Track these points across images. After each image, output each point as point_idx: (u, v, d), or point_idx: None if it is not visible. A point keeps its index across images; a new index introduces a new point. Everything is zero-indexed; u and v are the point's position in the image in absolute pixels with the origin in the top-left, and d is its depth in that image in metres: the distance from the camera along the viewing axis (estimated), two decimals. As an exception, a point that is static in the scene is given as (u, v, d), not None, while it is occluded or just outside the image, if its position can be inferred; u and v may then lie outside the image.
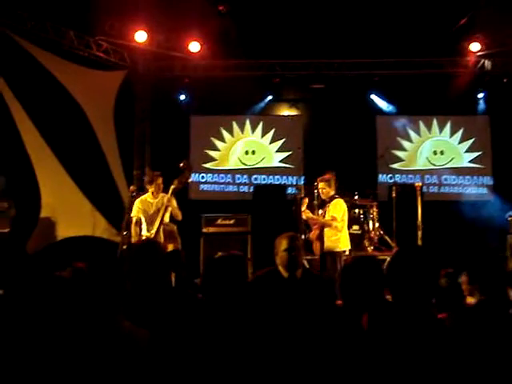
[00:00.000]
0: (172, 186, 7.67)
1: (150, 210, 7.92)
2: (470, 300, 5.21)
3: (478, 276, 3.57)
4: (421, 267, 2.92)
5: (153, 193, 8.02)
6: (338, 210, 7.95)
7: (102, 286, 3.14)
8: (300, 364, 3.06)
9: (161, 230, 7.63)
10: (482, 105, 12.42)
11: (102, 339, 2.96)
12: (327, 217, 7.98)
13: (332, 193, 8.14)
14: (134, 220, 8.06)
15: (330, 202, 8.04)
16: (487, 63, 12.05)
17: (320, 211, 8.27)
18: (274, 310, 4.36)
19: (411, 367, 2.71)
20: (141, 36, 10.99)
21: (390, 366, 2.73)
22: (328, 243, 7.85)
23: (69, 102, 10.88)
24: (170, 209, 7.81)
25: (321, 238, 7.90)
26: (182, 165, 7.65)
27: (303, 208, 8.24)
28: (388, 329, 2.85)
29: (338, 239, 7.89)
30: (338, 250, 7.84)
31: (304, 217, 8.31)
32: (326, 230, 7.91)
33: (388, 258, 3.12)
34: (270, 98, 12.69)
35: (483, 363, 3.04)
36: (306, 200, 8.32)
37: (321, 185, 8.19)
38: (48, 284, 3.22)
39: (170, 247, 7.59)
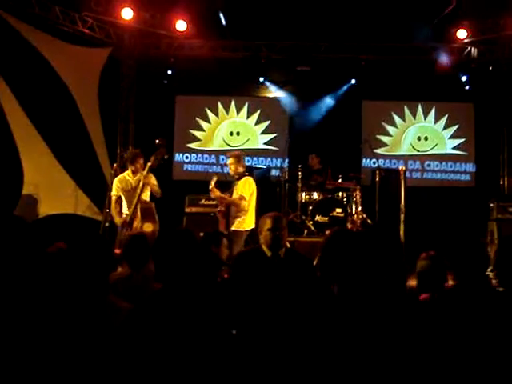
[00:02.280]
0: (148, 163, 7.61)
1: (130, 188, 7.87)
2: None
3: (453, 261, 3.59)
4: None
5: (132, 171, 7.95)
6: (247, 188, 7.71)
7: (84, 264, 3.14)
8: (281, 340, 3.07)
9: (138, 208, 7.59)
10: (466, 91, 12.44)
11: (88, 312, 2.98)
12: (235, 195, 7.73)
13: (241, 170, 7.86)
14: (113, 199, 8.03)
15: (238, 179, 7.79)
16: (473, 50, 12.08)
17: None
18: (257, 287, 4.38)
19: (383, 342, 2.74)
20: (127, 13, 10.90)
21: (367, 341, 2.75)
22: (233, 222, 7.68)
23: (53, 79, 10.76)
24: (148, 187, 7.76)
25: (227, 215, 7.71)
26: (157, 141, 7.60)
27: (211, 186, 7.85)
28: (365, 305, 2.87)
29: (244, 220, 7.69)
30: (241, 229, 7.66)
31: (212, 195, 7.98)
32: (232, 208, 7.70)
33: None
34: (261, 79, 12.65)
35: (459, 345, 3.09)
36: (215, 178, 7.93)
37: (229, 160, 7.93)
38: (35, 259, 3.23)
39: (147, 225, 7.57)
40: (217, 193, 7.86)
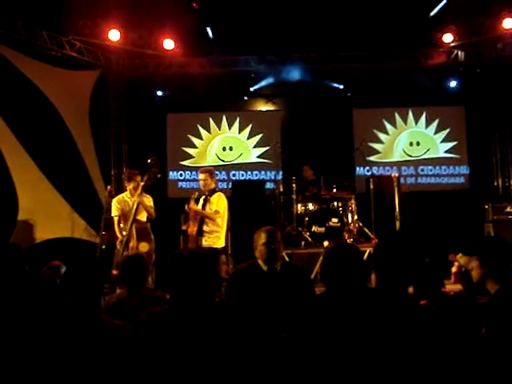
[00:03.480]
0: (141, 183, 7.61)
1: (128, 209, 7.87)
2: (451, 287, 5.29)
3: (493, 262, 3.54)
4: (404, 254, 2.96)
5: (131, 191, 7.97)
6: (221, 204, 7.61)
7: (81, 285, 3.16)
8: (277, 355, 3.08)
9: (133, 228, 7.58)
10: (455, 94, 12.51)
11: (82, 332, 2.99)
12: (208, 210, 7.59)
13: (213, 186, 7.77)
14: (115, 220, 8.03)
15: (210, 195, 7.65)
16: (460, 54, 12.14)
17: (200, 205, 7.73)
18: (254, 302, 4.38)
19: (394, 350, 2.74)
20: (114, 35, 10.93)
21: (374, 351, 2.75)
22: (208, 239, 7.55)
23: (43, 104, 10.77)
24: (142, 206, 7.75)
25: (200, 232, 7.53)
26: (149, 161, 7.57)
27: (192, 201, 7.69)
28: (372, 315, 2.87)
29: (218, 236, 7.59)
30: (216, 246, 7.55)
31: (190, 209, 7.73)
32: (206, 226, 7.57)
33: (368, 250, 3.16)
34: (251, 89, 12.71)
35: (468, 348, 3.09)
36: (196, 194, 7.80)
37: (201, 176, 7.80)
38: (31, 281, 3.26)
39: (143, 245, 7.56)
40: (195, 207, 7.67)
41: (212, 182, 7.75)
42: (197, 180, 12.57)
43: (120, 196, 8.18)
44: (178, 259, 3.22)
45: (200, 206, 7.68)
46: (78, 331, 3.02)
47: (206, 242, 7.53)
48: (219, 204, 7.59)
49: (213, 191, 7.72)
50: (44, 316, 3.12)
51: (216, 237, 7.59)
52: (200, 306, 3.11)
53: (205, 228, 7.57)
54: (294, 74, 12.10)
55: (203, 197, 7.75)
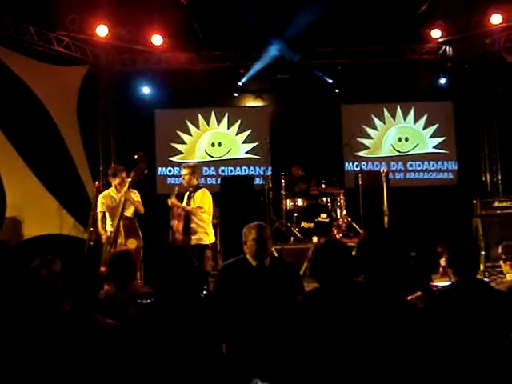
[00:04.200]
0: (128, 179, 7.57)
1: (114, 205, 7.83)
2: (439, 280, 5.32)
3: (454, 258, 3.62)
4: (389, 249, 2.97)
5: (116, 187, 7.92)
6: (206, 200, 7.63)
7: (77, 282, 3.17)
8: (271, 347, 3.08)
9: (121, 224, 7.55)
10: (444, 90, 12.56)
11: (76, 329, 3.00)
12: (192, 205, 7.62)
13: (195, 182, 7.77)
14: (99, 216, 7.99)
15: (194, 191, 7.67)
16: (448, 49, 12.18)
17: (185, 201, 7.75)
18: (243, 297, 4.38)
19: (380, 346, 2.75)
20: (102, 30, 10.88)
21: (363, 344, 2.76)
22: (195, 236, 7.57)
23: (31, 100, 10.73)
24: (130, 203, 7.73)
25: (187, 230, 7.55)
26: (136, 156, 7.54)
27: (172, 196, 7.70)
28: (360, 309, 2.88)
29: (206, 232, 7.62)
30: (205, 242, 7.61)
31: (169, 203, 7.74)
32: (193, 222, 7.58)
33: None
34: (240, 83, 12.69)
35: (458, 343, 3.11)
36: (177, 188, 7.86)
37: (184, 171, 7.79)
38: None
39: (131, 241, 7.53)
40: (176, 201, 7.68)
41: (194, 178, 7.74)
42: (185, 176, 12.66)
43: (106, 192, 8.13)
44: (161, 253, 3.26)
45: (184, 203, 7.69)
46: (70, 328, 3.02)
47: (194, 238, 7.54)
48: (203, 200, 7.60)
49: (197, 187, 7.73)
50: (36, 314, 3.11)
51: (203, 233, 7.61)
52: (184, 299, 3.13)
53: (192, 225, 7.57)
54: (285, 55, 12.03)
55: (187, 193, 7.77)
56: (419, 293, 4.10)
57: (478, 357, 3.13)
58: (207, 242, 7.64)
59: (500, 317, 3.29)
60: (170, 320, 3.09)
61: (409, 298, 4.04)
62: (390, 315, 2.82)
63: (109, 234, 7.67)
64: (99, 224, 7.99)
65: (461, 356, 3.13)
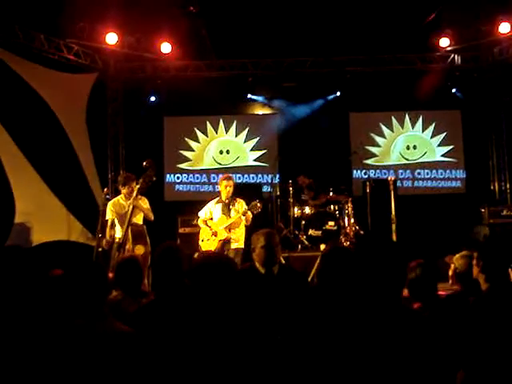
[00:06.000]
0: (137, 186, 7.61)
1: (123, 212, 7.86)
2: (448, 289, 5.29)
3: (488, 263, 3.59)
4: (388, 259, 2.96)
5: (125, 195, 7.95)
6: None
7: (80, 289, 3.17)
8: (273, 357, 3.08)
9: (129, 230, 7.57)
10: (456, 99, 12.53)
11: (92, 336, 3.00)
12: (236, 215, 8.09)
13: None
14: (108, 223, 8.02)
15: (234, 201, 8.17)
16: (457, 58, 12.17)
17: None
18: (251, 304, 4.38)
19: (383, 354, 2.75)
20: (112, 38, 10.92)
21: (366, 353, 2.76)
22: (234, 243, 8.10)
23: (41, 107, 10.77)
24: (139, 210, 7.76)
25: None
26: (145, 164, 7.58)
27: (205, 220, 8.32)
28: (363, 320, 2.88)
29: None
30: (242, 246, 8.07)
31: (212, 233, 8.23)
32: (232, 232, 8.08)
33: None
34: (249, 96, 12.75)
35: (460, 352, 3.10)
36: (106, 190, 8.48)
37: (227, 182, 8.25)
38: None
39: (138, 248, 7.55)
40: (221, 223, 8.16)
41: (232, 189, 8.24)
42: (193, 183, 12.71)
43: (115, 199, 8.16)
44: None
45: (220, 213, 8.14)
46: (83, 333, 3.03)
47: (233, 245, 8.03)
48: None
49: (235, 198, 8.21)
50: (49, 319, 3.13)
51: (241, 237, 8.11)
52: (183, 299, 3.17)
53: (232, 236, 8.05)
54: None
55: (221, 204, 8.20)
56: (419, 303, 4.07)
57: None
58: (242, 246, 8.05)
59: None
60: (171, 320, 3.11)
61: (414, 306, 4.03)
62: (392, 325, 2.82)
63: (117, 240, 7.70)
64: (107, 230, 8.01)
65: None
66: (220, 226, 8.05)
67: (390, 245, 3.07)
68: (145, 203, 7.90)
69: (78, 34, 10.87)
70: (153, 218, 7.95)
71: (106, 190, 9.09)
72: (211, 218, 8.19)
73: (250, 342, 3.21)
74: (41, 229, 10.60)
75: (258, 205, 7.93)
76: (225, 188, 8.16)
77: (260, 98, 12.88)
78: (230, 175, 8.67)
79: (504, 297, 3.39)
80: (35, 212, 10.55)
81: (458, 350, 3.17)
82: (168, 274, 3.33)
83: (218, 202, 8.22)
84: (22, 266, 3.59)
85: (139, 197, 7.72)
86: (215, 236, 8.06)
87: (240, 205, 8.10)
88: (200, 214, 8.34)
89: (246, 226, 8.09)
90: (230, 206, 8.10)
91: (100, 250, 8.30)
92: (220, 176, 12.57)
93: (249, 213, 7.94)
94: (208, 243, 8.07)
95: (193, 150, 12.87)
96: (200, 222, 8.29)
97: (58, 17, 10.20)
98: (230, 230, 8.01)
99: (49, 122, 10.88)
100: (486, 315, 3.27)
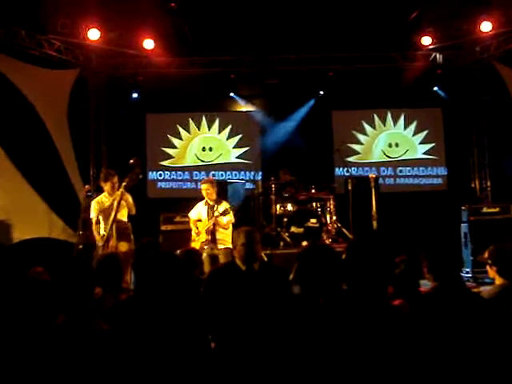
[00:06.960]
0: (123, 183, 7.58)
1: (106, 209, 7.82)
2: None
3: (433, 263, 3.66)
4: (376, 255, 2.98)
5: (108, 191, 7.92)
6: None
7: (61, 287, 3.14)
8: (259, 352, 3.09)
9: (114, 227, 7.54)
10: (438, 97, 12.60)
11: (72, 337, 2.98)
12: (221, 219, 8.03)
13: (215, 195, 8.21)
14: (93, 221, 7.98)
15: (217, 203, 8.11)
16: (439, 56, 12.25)
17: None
18: (232, 301, 4.39)
19: (365, 352, 2.76)
20: (93, 34, 10.84)
21: (346, 351, 2.77)
22: (221, 243, 8.05)
23: (21, 103, 10.69)
24: (124, 204, 7.73)
25: (214, 240, 8.06)
26: (131, 161, 7.56)
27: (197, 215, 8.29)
28: (343, 315, 2.88)
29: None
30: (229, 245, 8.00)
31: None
32: (217, 233, 8.06)
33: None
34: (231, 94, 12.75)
35: (439, 349, 3.12)
36: (87, 187, 8.37)
37: (205, 186, 8.19)
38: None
39: (122, 244, 7.52)
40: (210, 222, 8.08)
41: (214, 192, 8.17)
42: (176, 180, 12.70)
43: (99, 198, 8.11)
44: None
45: (206, 214, 8.09)
46: (67, 334, 3.00)
47: (221, 246, 8.00)
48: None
49: (218, 200, 8.18)
50: (32, 319, 3.10)
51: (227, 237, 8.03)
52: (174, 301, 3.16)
53: (218, 236, 8.01)
54: None
55: (206, 206, 8.15)
56: (401, 300, 4.09)
57: (461, 361, 3.15)
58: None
59: (479, 322, 3.30)
60: (148, 316, 3.11)
61: (396, 303, 4.05)
62: (374, 322, 2.83)
63: (102, 236, 7.67)
64: (93, 228, 7.97)
65: (444, 360, 3.14)
66: (202, 227, 8.07)
67: (379, 242, 3.07)
68: (130, 199, 7.87)
69: (60, 29, 10.78)
70: (135, 211, 7.92)
71: (87, 186, 9.06)
72: (199, 220, 8.20)
73: (228, 337, 3.22)
74: (21, 226, 10.51)
75: (228, 209, 7.93)
76: (205, 191, 8.18)
77: (242, 102, 12.90)
78: (211, 178, 8.72)
79: (450, 295, 3.43)
80: (16, 209, 10.46)
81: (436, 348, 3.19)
82: (146, 270, 3.32)
83: (205, 204, 8.23)
84: (2, 263, 3.56)
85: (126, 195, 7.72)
86: (198, 236, 8.09)
87: (222, 206, 8.08)
88: (190, 215, 8.36)
89: (233, 226, 8.04)
90: (214, 209, 8.09)
91: (81, 247, 8.26)
92: (203, 174, 12.66)
93: (229, 215, 7.94)
94: (194, 244, 8.09)
95: (175, 147, 12.84)
96: (191, 223, 8.30)
97: (40, 13, 10.15)
98: (211, 233, 8.00)
99: (30, 118, 10.80)
100: (427, 315, 3.32)
